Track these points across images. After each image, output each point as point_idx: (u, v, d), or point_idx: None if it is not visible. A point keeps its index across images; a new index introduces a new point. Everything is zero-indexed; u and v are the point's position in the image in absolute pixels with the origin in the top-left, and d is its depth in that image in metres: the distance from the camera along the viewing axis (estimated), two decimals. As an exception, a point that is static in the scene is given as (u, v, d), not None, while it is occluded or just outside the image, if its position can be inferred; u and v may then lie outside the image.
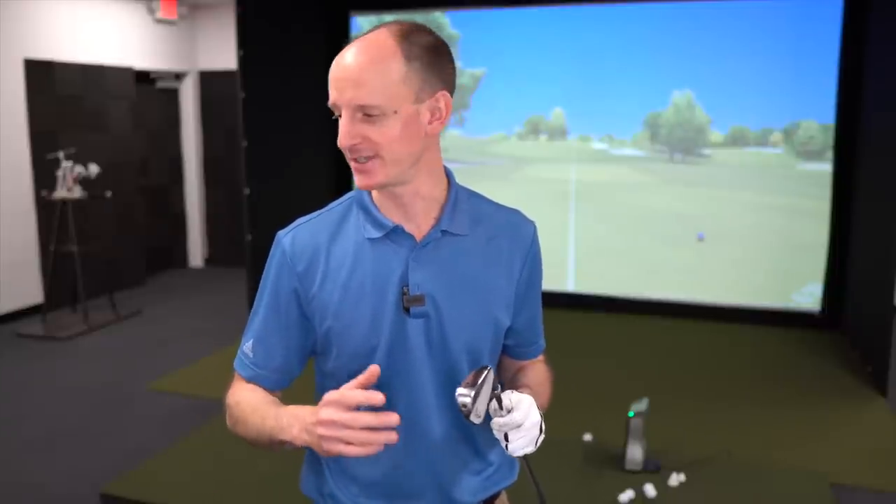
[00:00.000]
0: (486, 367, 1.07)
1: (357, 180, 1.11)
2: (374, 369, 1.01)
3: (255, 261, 5.23)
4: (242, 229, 5.29)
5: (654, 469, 3.15)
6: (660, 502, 2.95)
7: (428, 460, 1.21)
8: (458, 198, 1.20)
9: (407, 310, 1.15)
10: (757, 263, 5.37)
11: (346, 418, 0.98)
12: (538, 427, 1.10)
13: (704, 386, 4.25)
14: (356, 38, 1.11)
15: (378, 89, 1.05)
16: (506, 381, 1.33)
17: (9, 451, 3.52)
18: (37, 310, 5.70)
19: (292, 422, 1.05)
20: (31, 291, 5.77)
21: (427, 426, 1.19)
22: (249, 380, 1.21)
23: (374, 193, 1.18)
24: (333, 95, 1.07)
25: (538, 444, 1.11)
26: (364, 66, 1.05)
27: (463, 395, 1.04)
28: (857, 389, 4.16)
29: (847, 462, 3.32)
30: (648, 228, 5.62)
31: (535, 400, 1.15)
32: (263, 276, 1.22)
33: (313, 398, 1.23)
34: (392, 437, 0.99)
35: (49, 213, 5.66)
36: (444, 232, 1.17)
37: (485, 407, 1.06)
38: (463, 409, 1.04)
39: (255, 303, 1.24)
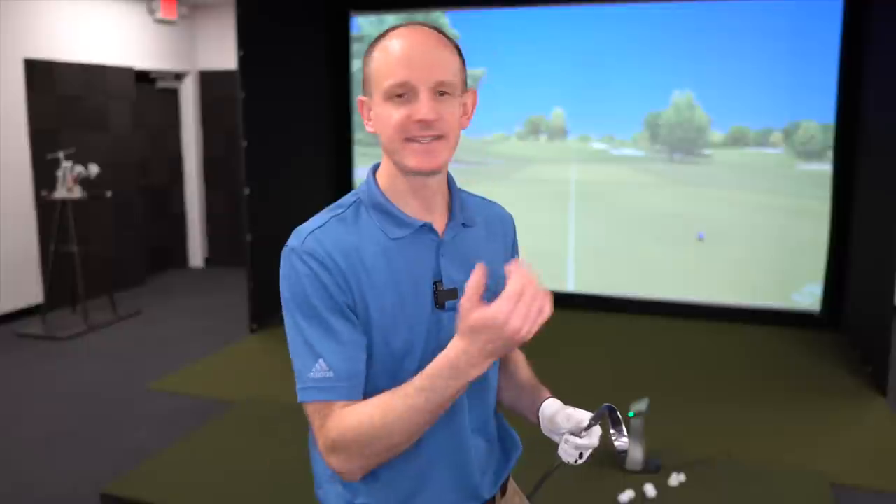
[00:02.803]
0: (615, 410, 1.16)
1: (418, 161, 1.10)
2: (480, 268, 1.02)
3: (255, 261, 5.24)
4: (242, 229, 5.29)
5: (654, 469, 3.15)
6: (660, 502, 2.95)
7: (459, 454, 1.21)
8: (460, 192, 1.25)
9: (441, 305, 1.15)
10: (757, 263, 5.37)
11: (527, 300, 0.96)
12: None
13: (704, 386, 4.25)
14: (395, 31, 1.12)
15: (453, 70, 1.12)
16: (504, 373, 1.34)
17: (9, 451, 3.52)
18: (37, 310, 5.70)
19: (462, 365, 1.00)
20: (31, 291, 5.77)
21: (460, 418, 1.19)
22: (347, 398, 1.08)
23: (394, 192, 1.16)
24: (405, 74, 1.07)
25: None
26: (439, 48, 1.10)
27: (622, 442, 1.15)
28: (857, 389, 4.16)
29: (847, 462, 3.31)
30: (648, 228, 5.62)
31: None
32: (294, 294, 1.10)
33: None
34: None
35: (49, 213, 5.66)
36: (463, 224, 1.21)
37: None
38: (622, 454, 1.15)
39: (293, 328, 1.11)
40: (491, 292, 1.18)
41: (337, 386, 1.07)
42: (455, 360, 1.01)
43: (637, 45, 5.43)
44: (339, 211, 1.16)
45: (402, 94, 1.08)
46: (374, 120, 1.13)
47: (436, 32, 1.13)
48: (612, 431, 1.13)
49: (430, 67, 1.08)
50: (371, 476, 1.17)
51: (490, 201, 1.32)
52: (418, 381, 1.03)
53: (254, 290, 5.21)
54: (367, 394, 1.11)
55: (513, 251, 1.31)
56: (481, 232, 1.24)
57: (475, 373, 1.01)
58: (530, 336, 0.98)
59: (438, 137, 1.09)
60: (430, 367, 1.03)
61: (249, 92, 5.08)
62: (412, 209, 1.16)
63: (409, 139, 1.09)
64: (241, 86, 5.04)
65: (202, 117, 7.56)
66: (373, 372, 1.14)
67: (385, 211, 1.16)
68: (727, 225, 5.44)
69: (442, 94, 1.09)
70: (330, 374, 1.07)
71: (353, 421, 1.05)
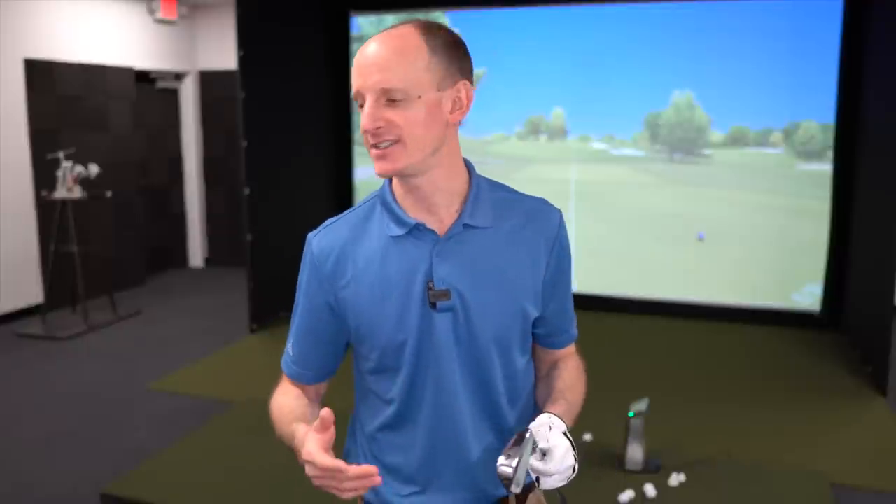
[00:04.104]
0: (526, 430, 1.07)
1: (377, 167, 1.12)
2: (325, 414, 1.03)
3: (255, 261, 5.24)
4: (242, 229, 5.29)
5: (654, 469, 3.15)
6: (660, 502, 2.96)
7: (459, 451, 1.22)
8: (479, 189, 1.22)
9: (433, 305, 1.16)
10: (757, 263, 5.37)
11: (327, 472, 1.00)
12: (571, 469, 1.08)
13: (704, 386, 4.25)
14: (380, 32, 1.13)
15: (401, 74, 1.07)
16: (541, 375, 1.33)
17: (9, 451, 3.52)
18: (37, 310, 5.70)
19: (297, 445, 1.11)
20: (31, 291, 5.77)
21: (457, 418, 1.21)
22: (291, 377, 1.30)
23: (398, 191, 1.19)
24: (358, 83, 1.09)
25: (570, 480, 1.10)
26: (388, 53, 1.08)
27: (504, 465, 1.04)
28: (857, 389, 4.16)
29: (847, 462, 3.32)
30: (648, 228, 5.62)
31: (571, 412, 1.20)
32: (299, 278, 1.27)
33: (353, 376, 1.33)
34: (376, 480, 1.00)
35: (49, 213, 5.66)
36: (466, 225, 1.18)
37: (524, 474, 1.05)
38: (505, 481, 1.04)
39: (294, 303, 1.28)
40: (498, 292, 1.19)
41: (290, 366, 1.30)
42: (302, 438, 1.08)
43: (637, 45, 5.43)
44: (358, 207, 1.25)
45: (361, 102, 1.11)
46: None
47: (398, 33, 1.10)
48: (503, 451, 1.06)
49: (374, 75, 1.07)
50: (375, 461, 1.27)
51: (532, 197, 1.29)
52: (295, 423, 1.16)
53: (254, 290, 5.21)
54: (365, 377, 1.25)
55: (554, 247, 1.25)
56: (503, 232, 1.20)
57: (301, 458, 1.06)
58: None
59: (395, 142, 1.09)
60: (302, 424, 1.14)
61: (249, 92, 5.08)
62: (414, 209, 1.18)
63: (371, 145, 1.11)
64: (241, 86, 5.04)
65: (202, 117, 7.57)
66: (368, 361, 1.23)
67: (389, 209, 1.19)
68: (727, 225, 5.44)
69: (393, 100, 1.08)
70: (291, 354, 1.29)
71: (276, 397, 1.28)
